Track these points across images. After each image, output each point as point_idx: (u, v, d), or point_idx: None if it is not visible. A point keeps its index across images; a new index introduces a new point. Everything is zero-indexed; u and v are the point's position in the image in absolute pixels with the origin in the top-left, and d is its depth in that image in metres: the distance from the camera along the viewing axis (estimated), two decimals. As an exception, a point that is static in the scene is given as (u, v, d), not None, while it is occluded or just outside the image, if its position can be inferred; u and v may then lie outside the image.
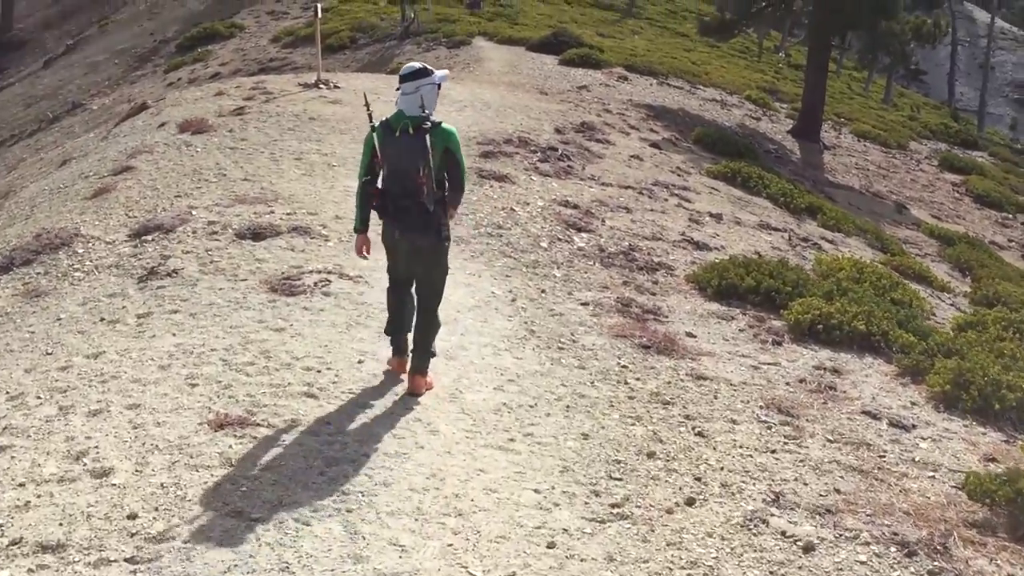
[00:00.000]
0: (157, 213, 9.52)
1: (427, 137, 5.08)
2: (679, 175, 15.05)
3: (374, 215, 5.63)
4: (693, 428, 5.60)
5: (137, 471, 4.57)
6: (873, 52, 21.14)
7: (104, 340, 6.66)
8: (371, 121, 5.31)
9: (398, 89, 5.25)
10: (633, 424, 5.58)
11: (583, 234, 10.18)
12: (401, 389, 5.76)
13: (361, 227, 5.66)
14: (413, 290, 5.80)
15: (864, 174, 21.53)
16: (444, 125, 5.27)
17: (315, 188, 10.47)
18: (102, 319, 7.10)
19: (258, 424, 5.10)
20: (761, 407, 6.08)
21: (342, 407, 5.45)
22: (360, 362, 6.20)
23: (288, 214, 9.42)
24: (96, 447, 4.83)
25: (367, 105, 5.43)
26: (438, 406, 5.58)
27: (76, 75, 30.91)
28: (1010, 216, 21.26)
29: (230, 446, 4.81)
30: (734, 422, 5.77)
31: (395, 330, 5.89)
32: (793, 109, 25.68)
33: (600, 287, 8.58)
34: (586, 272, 8.93)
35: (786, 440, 5.59)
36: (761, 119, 23.42)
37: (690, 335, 7.68)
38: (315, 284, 7.68)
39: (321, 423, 5.20)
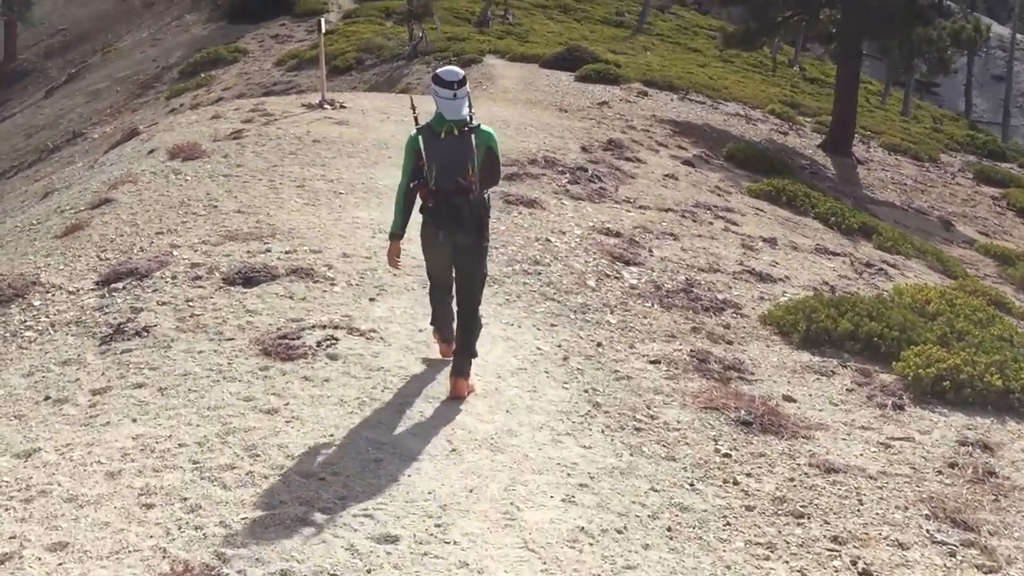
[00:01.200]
0: (133, 254, 7.84)
1: (473, 138, 5.07)
2: (719, 195, 13.35)
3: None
4: (852, 561, 3.86)
5: None
6: (909, 61, 19.43)
7: (43, 429, 4.96)
8: (417, 124, 5.20)
9: (438, 93, 5.04)
10: (767, 558, 3.85)
11: (632, 268, 8.47)
12: (438, 510, 4.02)
13: (399, 232, 5.41)
14: (453, 293, 5.61)
15: (902, 189, 19.80)
16: (483, 126, 5.21)
17: (319, 220, 8.79)
18: (47, 397, 5.41)
19: (231, 581, 3.38)
20: (926, 516, 4.35)
21: (353, 542, 3.72)
22: (377, 461, 4.49)
23: (287, 252, 7.73)
24: (-16, 632, 3.13)
25: (413, 108, 5.38)
26: (490, 536, 3.85)
27: (77, 104, 29.38)
28: (1058, 231, 19.47)
29: (185, 631, 3.11)
30: (901, 546, 4.04)
31: (441, 321, 5.73)
32: (818, 123, 24.01)
33: (666, 335, 6.86)
34: (645, 316, 7.21)
35: (983, 576, 3.86)
36: (788, 134, 21.74)
37: (789, 399, 5.95)
38: (318, 344, 5.98)
39: (322, 574, 3.48)
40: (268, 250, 7.78)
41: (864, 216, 14.21)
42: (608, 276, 8.04)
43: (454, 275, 5.43)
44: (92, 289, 7.17)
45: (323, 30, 14.57)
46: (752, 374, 6.34)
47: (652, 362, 6.16)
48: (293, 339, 6.03)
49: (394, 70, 23.95)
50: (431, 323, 5.81)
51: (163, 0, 36.10)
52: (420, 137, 5.07)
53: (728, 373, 6.22)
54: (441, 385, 5.50)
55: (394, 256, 5.46)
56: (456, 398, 5.30)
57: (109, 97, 29.21)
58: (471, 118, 5.07)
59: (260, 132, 12.61)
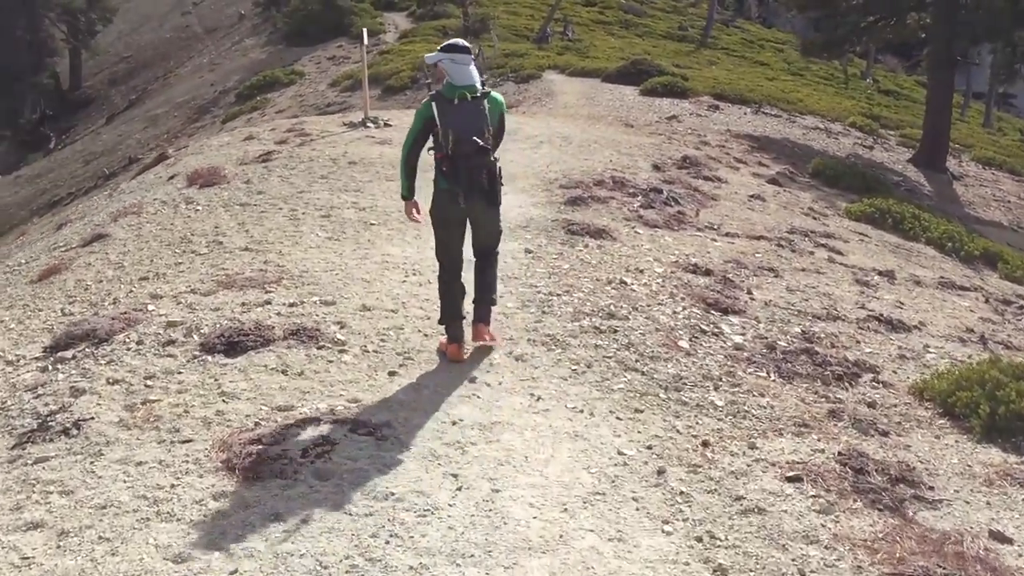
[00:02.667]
0: (102, 308, 6.03)
1: (484, 102, 4.89)
2: (815, 218, 11.16)
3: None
4: None
5: None
6: (1011, 66, 16.96)
7: None
8: (430, 90, 4.94)
9: (455, 60, 4.87)
10: None
11: (732, 318, 6.38)
12: None
13: (408, 195, 5.16)
14: (471, 256, 5.28)
15: (1006, 207, 17.25)
16: (492, 93, 5.00)
17: (340, 259, 6.91)
18: (-97, 543, 3.55)
19: None
20: None
21: None
22: None
23: (291, 305, 5.83)
24: None
25: (427, 72, 5.43)
26: None
27: (136, 129, 28.26)
28: None
29: None
30: None
31: (450, 318, 5.22)
32: (903, 136, 21.53)
33: (795, 425, 4.76)
34: (762, 393, 5.12)
35: None
36: (874, 148, 19.32)
37: (1001, 538, 3.81)
38: (305, 452, 4.03)
39: None
40: (268, 302, 5.89)
41: (984, 241, 11.85)
42: (704, 332, 5.96)
43: (472, 241, 5.20)
44: (36, 358, 5.35)
45: (365, 42, 12.79)
46: (931, 489, 4.21)
47: (789, 479, 4.06)
48: (271, 443, 4.09)
49: (449, 88, 22.19)
50: (440, 321, 5.30)
51: (224, 26, 35.00)
52: (433, 104, 4.82)
53: (899, 491, 4.10)
54: (479, 528, 3.50)
55: (411, 212, 5.16)
56: (477, 340, 5.20)
57: (167, 122, 28.02)
58: (483, 84, 4.96)
59: (292, 154, 10.83)
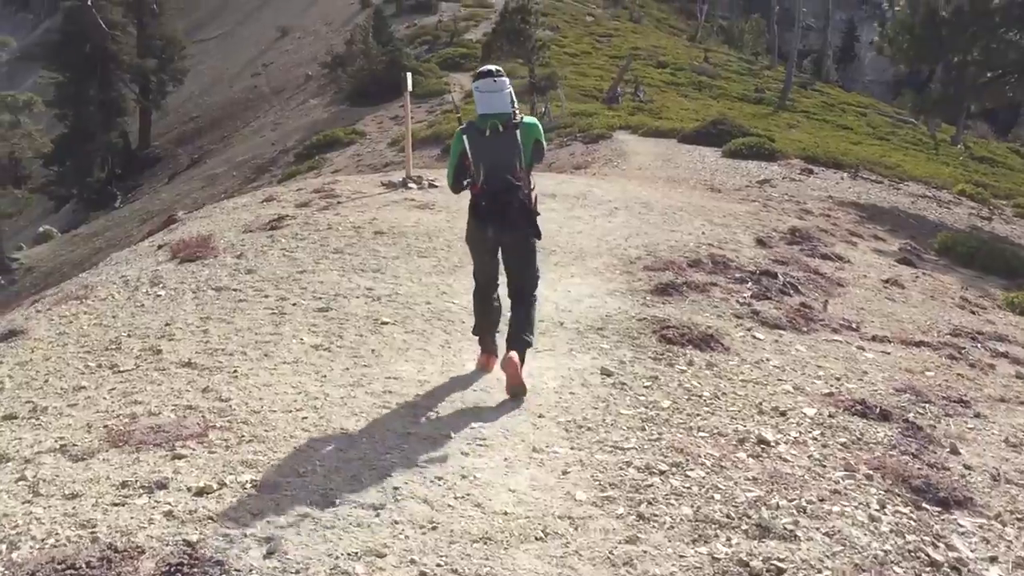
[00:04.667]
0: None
1: (517, 133, 4.52)
2: (973, 312, 8.23)
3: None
4: None
5: None
6: None
7: None
8: (460, 124, 4.66)
9: (479, 88, 4.51)
10: None
11: (961, 519, 3.54)
12: None
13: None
14: (505, 292, 4.80)
15: None
16: (526, 118, 4.59)
17: (320, 387, 4.31)
18: None
19: None
20: None
21: None
22: None
23: (199, 493, 3.21)
24: None
25: (456, 109, 5.26)
26: None
27: (194, 188, 26.57)
28: None
29: None
30: None
31: (484, 331, 4.86)
32: (1016, 206, 18.36)
33: None
34: None
35: None
36: (992, 219, 16.21)
37: None
38: None
39: None
40: (163, 484, 3.28)
41: None
42: (933, 566, 3.13)
43: (506, 278, 4.74)
44: None
45: (409, 88, 10.43)
46: None
47: None
48: None
49: (512, 148, 19.78)
50: (473, 332, 4.88)
51: (291, 87, 33.53)
52: (465, 137, 4.48)
53: None
54: None
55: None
56: (513, 389, 4.37)
57: (225, 182, 26.25)
58: (514, 114, 4.48)
59: (308, 220, 8.36)
